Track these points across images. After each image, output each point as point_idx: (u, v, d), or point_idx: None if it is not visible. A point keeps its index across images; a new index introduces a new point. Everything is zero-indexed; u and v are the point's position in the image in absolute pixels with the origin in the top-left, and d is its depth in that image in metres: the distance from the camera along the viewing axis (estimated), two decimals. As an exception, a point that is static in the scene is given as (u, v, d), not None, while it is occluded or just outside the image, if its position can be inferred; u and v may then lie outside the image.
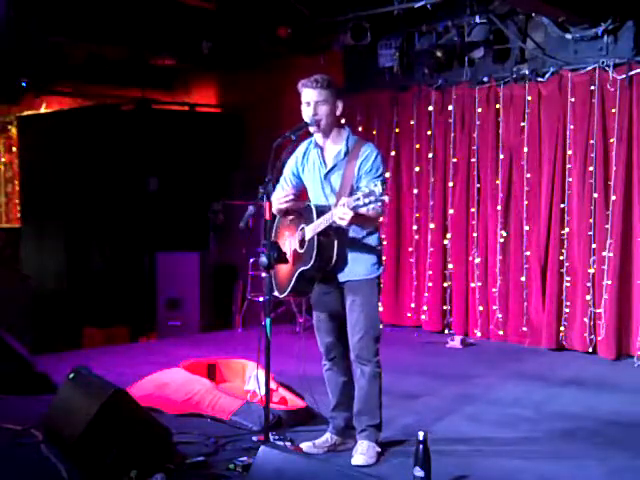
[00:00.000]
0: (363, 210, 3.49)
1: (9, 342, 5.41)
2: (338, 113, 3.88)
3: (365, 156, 3.82)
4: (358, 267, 3.88)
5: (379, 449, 3.92)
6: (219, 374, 5.43)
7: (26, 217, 9.74)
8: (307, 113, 3.83)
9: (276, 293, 3.95)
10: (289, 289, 3.86)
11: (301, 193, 4.04)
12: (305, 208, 3.88)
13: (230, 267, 8.47)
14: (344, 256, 3.84)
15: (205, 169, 9.06)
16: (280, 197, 3.89)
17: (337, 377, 4.09)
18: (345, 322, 3.95)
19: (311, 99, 3.81)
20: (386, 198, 3.47)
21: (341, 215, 3.51)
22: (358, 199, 3.41)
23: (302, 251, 3.82)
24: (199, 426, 4.41)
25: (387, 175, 3.81)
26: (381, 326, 4.10)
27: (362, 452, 3.85)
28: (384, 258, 4.00)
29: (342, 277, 3.89)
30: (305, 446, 4.03)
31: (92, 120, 8.69)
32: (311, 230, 3.77)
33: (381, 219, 3.80)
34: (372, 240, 3.91)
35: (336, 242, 3.77)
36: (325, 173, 3.91)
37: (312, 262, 3.74)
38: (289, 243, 3.93)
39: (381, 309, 3.94)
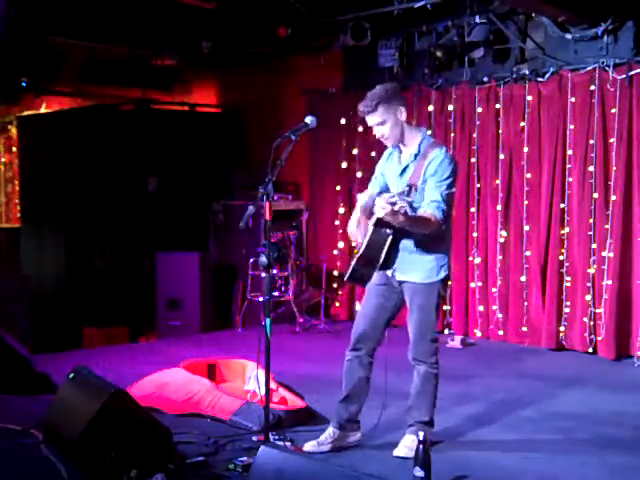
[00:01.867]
0: (398, 207, 3.56)
1: (9, 342, 5.41)
2: (402, 118, 3.94)
3: (432, 159, 3.87)
4: (416, 270, 3.95)
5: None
6: (219, 374, 5.43)
7: (26, 217, 9.73)
8: (377, 136, 3.99)
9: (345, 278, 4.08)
10: (348, 274, 3.96)
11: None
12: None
13: (230, 267, 8.46)
14: (398, 253, 3.93)
15: (205, 169, 9.06)
16: (365, 195, 4.02)
17: (356, 371, 4.13)
18: (387, 319, 4.09)
19: (371, 124, 3.95)
20: (411, 199, 3.69)
21: (378, 207, 3.60)
22: (393, 196, 3.59)
23: (362, 240, 3.94)
24: (199, 426, 4.41)
25: (451, 183, 3.88)
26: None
27: (405, 444, 3.94)
28: (444, 263, 3.99)
29: (399, 276, 3.99)
30: (309, 446, 4.06)
31: (92, 120, 8.69)
32: (371, 221, 3.88)
33: (436, 227, 3.83)
34: (434, 246, 3.93)
35: (390, 238, 3.83)
36: (399, 173, 3.98)
37: (363, 250, 3.86)
38: (360, 234, 4.03)
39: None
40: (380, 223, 3.77)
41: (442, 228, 3.86)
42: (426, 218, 3.77)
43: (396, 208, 3.55)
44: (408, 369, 4.13)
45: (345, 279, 4.05)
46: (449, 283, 7.30)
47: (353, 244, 4.02)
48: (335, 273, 8.20)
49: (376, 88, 3.94)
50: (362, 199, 4.05)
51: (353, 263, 3.95)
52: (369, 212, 3.97)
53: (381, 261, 3.86)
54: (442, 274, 3.98)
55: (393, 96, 3.91)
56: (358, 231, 4.01)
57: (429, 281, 3.96)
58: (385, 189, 4.08)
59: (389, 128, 3.90)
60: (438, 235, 3.90)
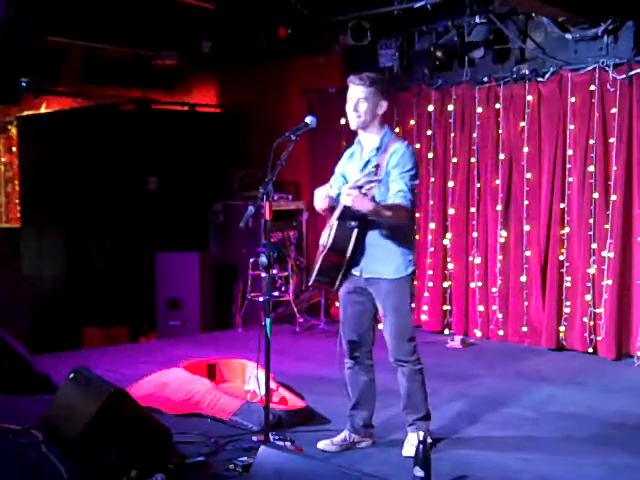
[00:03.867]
0: (366, 189, 3.57)
1: (9, 342, 5.41)
2: (380, 112, 3.96)
3: (393, 151, 3.88)
4: (384, 266, 3.92)
5: (430, 439, 3.96)
6: (219, 374, 5.43)
7: (26, 217, 9.73)
8: (348, 108, 3.95)
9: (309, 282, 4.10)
10: (314, 275, 3.93)
11: None
12: (337, 198, 3.96)
13: (230, 267, 8.46)
14: (365, 249, 3.89)
15: (205, 169, 9.05)
16: (319, 195, 4.01)
17: (359, 376, 4.13)
18: (370, 322, 4.07)
19: (353, 95, 3.93)
20: (380, 178, 3.66)
21: (346, 192, 3.62)
22: (359, 179, 3.61)
23: (327, 239, 3.89)
24: (199, 426, 4.41)
25: (414, 175, 3.88)
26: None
27: (412, 444, 3.91)
28: (411, 258, 3.98)
29: (365, 273, 3.95)
30: (323, 444, 4.08)
31: (92, 120, 8.68)
32: (334, 216, 3.87)
33: (405, 216, 3.83)
34: (401, 240, 3.91)
35: (355, 231, 3.81)
36: (361, 167, 3.97)
37: (329, 245, 3.82)
38: (323, 235, 4.00)
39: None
40: (345, 215, 3.74)
41: (409, 218, 3.87)
42: (396, 205, 3.75)
43: (364, 190, 3.57)
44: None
45: (310, 283, 3.99)
46: (415, 282, 7.40)
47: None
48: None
49: (376, 74, 4.04)
50: (317, 199, 4.01)
51: (319, 263, 3.88)
52: (329, 210, 3.97)
53: (348, 256, 3.81)
54: (410, 269, 3.97)
55: (385, 88, 4.00)
56: (324, 232, 3.97)
57: (399, 276, 3.92)
58: None
59: (366, 108, 3.91)
60: (403, 228, 3.90)
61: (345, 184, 3.90)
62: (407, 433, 4.07)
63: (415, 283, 7.21)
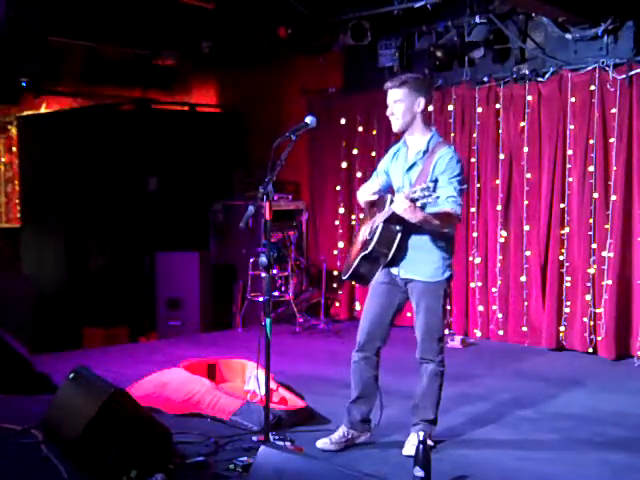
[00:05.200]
0: (420, 202, 3.60)
1: (9, 342, 5.41)
2: (418, 110, 3.96)
3: (440, 157, 3.88)
4: (423, 268, 3.96)
5: (432, 443, 3.99)
6: (219, 374, 5.43)
7: (26, 217, 9.72)
8: (387, 113, 4.00)
9: (343, 276, 4.12)
10: (350, 272, 4.00)
11: (390, 190, 4.12)
12: (383, 198, 3.99)
13: (230, 267, 8.46)
14: (406, 251, 3.93)
15: (205, 169, 9.05)
16: (366, 190, 4.06)
17: (365, 371, 4.14)
18: (392, 318, 4.09)
19: (389, 100, 3.98)
20: (438, 195, 3.61)
21: (399, 203, 3.65)
22: (415, 191, 3.60)
23: (369, 237, 3.94)
24: (199, 426, 4.41)
25: (462, 180, 3.92)
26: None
27: (413, 443, 3.90)
28: (449, 263, 4.03)
29: (404, 273, 3.99)
30: (321, 443, 4.08)
31: (92, 120, 8.68)
32: (380, 218, 3.88)
33: (454, 221, 3.89)
34: (442, 244, 3.95)
35: (399, 235, 3.86)
36: (406, 169, 4.00)
37: (371, 248, 3.87)
38: (364, 230, 4.05)
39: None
40: (392, 219, 3.77)
41: (458, 222, 3.91)
42: (445, 213, 3.79)
43: (419, 204, 3.60)
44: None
45: (345, 277, 4.06)
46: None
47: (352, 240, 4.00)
48: (335, 273, 8.20)
49: (411, 74, 4.08)
50: (364, 194, 4.08)
51: (356, 261, 3.95)
52: (371, 208, 4.00)
53: (389, 258, 3.88)
54: (447, 273, 4.01)
55: (421, 86, 3.98)
56: (358, 234, 4.04)
57: (435, 280, 3.97)
58: (385, 187, 4.09)
59: (402, 110, 3.94)
60: (446, 233, 3.94)
61: (400, 191, 3.94)
62: (410, 433, 4.07)
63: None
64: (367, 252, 3.90)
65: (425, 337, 4.02)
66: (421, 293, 3.99)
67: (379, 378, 4.17)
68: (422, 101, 3.95)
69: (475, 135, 7.25)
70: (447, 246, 4.00)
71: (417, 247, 3.94)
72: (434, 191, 3.57)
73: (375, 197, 4.04)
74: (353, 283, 7.71)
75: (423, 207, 3.73)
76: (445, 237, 3.96)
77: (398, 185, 4.05)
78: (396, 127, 4.01)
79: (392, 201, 3.81)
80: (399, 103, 3.94)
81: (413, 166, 3.98)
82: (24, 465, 3.82)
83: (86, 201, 8.61)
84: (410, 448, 3.92)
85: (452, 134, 7.40)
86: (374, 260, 3.93)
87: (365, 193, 4.08)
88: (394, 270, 4.01)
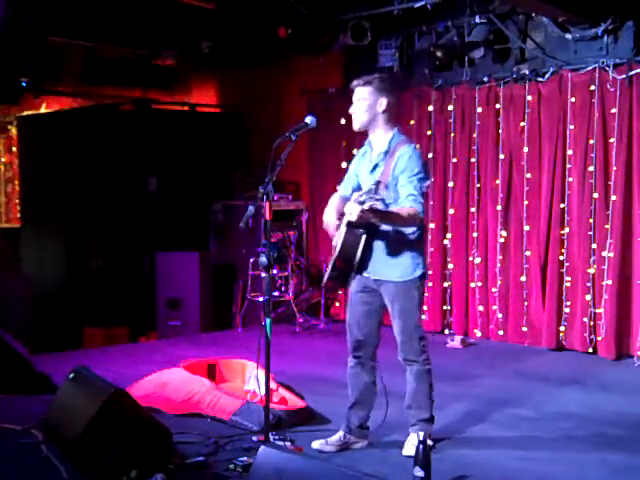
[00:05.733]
0: (368, 205, 3.59)
1: (9, 342, 5.41)
2: (380, 110, 3.96)
3: (399, 156, 3.88)
4: (392, 269, 3.95)
5: (431, 442, 3.97)
6: (219, 374, 5.43)
7: (26, 217, 9.72)
8: (350, 110, 4.01)
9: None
10: (326, 276, 4.01)
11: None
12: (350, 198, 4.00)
13: (230, 267, 8.46)
14: (373, 252, 3.92)
15: (205, 169, 9.05)
16: (330, 213, 4.10)
17: (360, 377, 4.14)
18: (377, 322, 4.09)
19: (354, 97, 3.99)
20: (382, 194, 3.68)
21: (349, 210, 3.66)
22: (361, 195, 3.65)
23: (335, 243, 3.96)
24: (199, 426, 4.41)
25: (423, 177, 3.91)
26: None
27: (413, 444, 3.89)
28: (419, 261, 4.00)
29: (375, 275, 3.98)
30: (317, 444, 4.08)
31: (92, 120, 8.68)
32: (343, 222, 3.88)
33: (416, 219, 3.85)
34: (409, 243, 3.93)
35: (364, 237, 3.84)
36: (370, 170, 4.00)
37: (338, 251, 3.87)
38: (337, 235, 4.04)
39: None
40: (354, 222, 3.77)
41: (421, 221, 3.88)
42: (401, 212, 3.77)
43: (365, 207, 3.59)
44: (403, 368, 4.12)
45: (323, 283, 4.11)
46: (429, 283, 7.41)
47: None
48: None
49: (378, 74, 4.06)
50: (334, 201, 4.12)
51: (330, 266, 3.95)
52: (340, 214, 4.00)
53: (357, 260, 3.85)
54: (418, 272, 3.97)
55: (386, 86, 3.97)
56: (336, 233, 4.02)
57: (405, 279, 3.94)
58: (357, 188, 4.08)
59: (363, 108, 3.95)
60: (411, 232, 3.92)
61: (358, 184, 3.98)
62: (409, 433, 4.07)
63: (430, 284, 7.34)
64: (335, 257, 3.89)
65: (405, 339, 4.00)
66: (394, 295, 3.96)
67: (380, 378, 4.15)
68: (384, 101, 3.94)
69: (475, 135, 7.25)
70: (415, 245, 3.97)
71: (384, 248, 3.93)
72: (376, 193, 3.62)
73: (341, 205, 4.02)
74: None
75: (387, 206, 3.78)
76: (412, 235, 3.93)
77: (365, 186, 4.02)
78: (356, 125, 4.01)
79: None
80: (362, 101, 3.95)
81: (376, 167, 3.97)
82: (24, 465, 3.82)
83: (86, 201, 8.60)
84: (410, 448, 3.91)
85: (452, 134, 7.40)
86: (344, 263, 3.90)
87: (335, 199, 4.11)
88: (366, 274, 3.99)
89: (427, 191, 4.00)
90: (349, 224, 3.81)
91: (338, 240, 3.91)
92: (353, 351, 4.12)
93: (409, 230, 3.90)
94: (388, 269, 3.94)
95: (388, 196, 3.84)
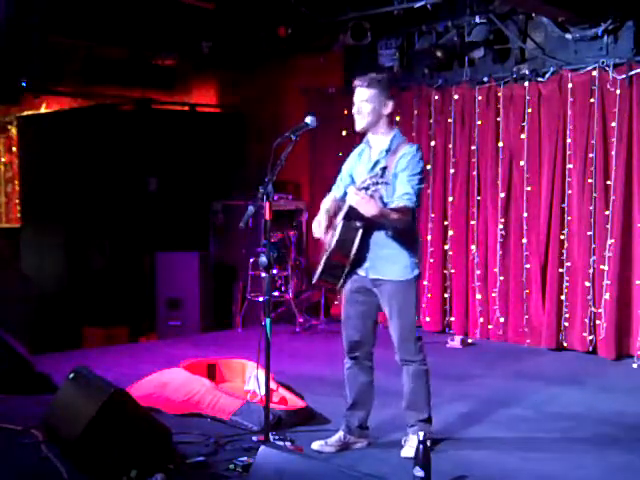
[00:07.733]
0: (370, 191, 3.60)
1: (9, 342, 5.41)
2: (385, 112, 3.97)
3: (402, 155, 3.88)
4: (391, 267, 3.93)
5: (429, 442, 3.96)
6: (219, 374, 5.43)
7: (26, 217, 9.73)
8: (353, 111, 3.99)
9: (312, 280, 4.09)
10: (317, 274, 3.95)
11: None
12: (343, 197, 3.98)
13: (230, 267, 8.46)
14: (370, 249, 3.90)
15: (205, 169, 9.06)
16: (320, 223, 4.01)
17: (358, 377, 4.13)
18: (373, 322, 4.08)
19: (356, 98, 3.97)
20: (387, 180, 3.67)
21: (351, 194, 3.64)
22: (364, 181, 3.66)
23: (330, 237, 3.91)
24: (199, 426, 4.41)
25: (421, 179, 3.92)
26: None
27: (411, 445, 3.90)
28: (417, 261, 4.01)
29: (372, 274, 3.95)
30: (317, 444, 4.07)
31: (92, 120, 8.68)
32: (340, 216, 3.87)
33: (409, 218, 3.86)
34: (407, 242, 3.93)
35: (360, 232, 3.82)
36: (370, 168, 3.98)
37: (333, 245, 3.84)
38: (330, 233, 4.00)
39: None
40: (351, 214, 3.75)
41: (413, 221, 3.88)
42: (400, 207, 3.77)
43: (370, 192, 3.60)
44: (401, 368, 4.12)
45: (314, 280, 4.00)
46: (429, 284, 7.41)
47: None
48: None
49: (379, 74, 4.05)
50: (326, 203, 4.08)
51: (322, 262, 3.91)
52: (334, 214, 3.98)
53: (352, 256, 3.82)
54: (416, 271, 3.98)
55: (387, 88, 3.99)
56: (326, 236, 3.97)
57: (405, 279, 3.93)
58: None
59: (369, 109, 3.94)
60: (408, 231, 3.91)
61: (352, 184, 3.94)
62: (407, 434, 4.07)
63: (425, 283, 7.34)
64: (330, 252, 3.85)
65: (402, 339, 3.99)
66: (392, 294, 3.95)
67: (374, 383, 4.15)
68: (390, 104, 3.96)
69: (475, 135, 7.25)
70: (413, 245, 3.97)
71: (381, 245, 3.90)
72: (382, 177, 3.62)
73: (333, 204, 4.02)
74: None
75: (385, 204, 3.77)
76: (410, 234, 3.94)
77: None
78: (360, 126, 4.00)
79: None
80: (366, 103, 3.94)
81: (377, 164, 3.96)
82: (24, 465, 3.83)
83: (86, 201, 8.61)
84: (408, 450, 3.91)
85: (452, 134, 7.40)
86: (339, 260, 3.87)
87: (327, 201, 4.09)
88: (361, 272, 3.96)
89: (422, 193, 3.98)
90: (346, 217, 3.79)
91: (333, 237, 3.88)
92: (349, 352, 4.12)
93: (406, 228, 3.88)
94: (387, 268, 3.92)
95: (387, 195, 3.84)
